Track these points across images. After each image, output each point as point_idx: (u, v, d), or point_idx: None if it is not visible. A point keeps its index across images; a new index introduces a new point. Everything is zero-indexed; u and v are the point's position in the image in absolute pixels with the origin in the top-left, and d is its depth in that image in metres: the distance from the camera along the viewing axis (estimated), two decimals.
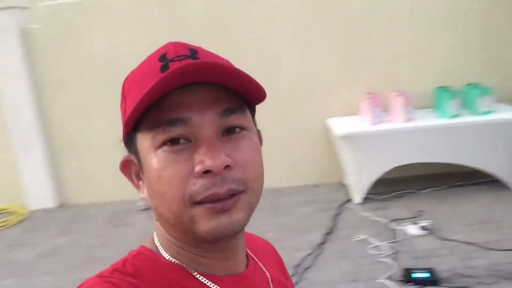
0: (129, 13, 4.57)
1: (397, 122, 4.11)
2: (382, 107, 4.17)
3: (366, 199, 4.13)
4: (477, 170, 4.08)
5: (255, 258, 0.71)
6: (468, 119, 4.03)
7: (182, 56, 0.56)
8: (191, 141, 0.55)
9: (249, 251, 0.70)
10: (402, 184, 4.38)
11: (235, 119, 0.57)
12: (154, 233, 0.65)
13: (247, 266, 0.67)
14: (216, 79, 0.55)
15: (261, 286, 0.68)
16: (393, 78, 4.55)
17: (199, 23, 4.47)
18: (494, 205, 3.85)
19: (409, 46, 4.55)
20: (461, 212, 3.75)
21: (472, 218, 3.65)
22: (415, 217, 3.72)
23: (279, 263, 0.80)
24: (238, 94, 0.58)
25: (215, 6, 4.55)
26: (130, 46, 4.35)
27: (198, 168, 0.53)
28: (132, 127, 0.58)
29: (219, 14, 4.55)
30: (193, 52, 0.58)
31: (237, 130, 0.57)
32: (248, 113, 0.61)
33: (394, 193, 4.24)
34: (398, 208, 3.97)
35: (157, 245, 0.63)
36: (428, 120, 4.08)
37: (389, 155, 4.10)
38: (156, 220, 0.63)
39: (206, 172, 0.53)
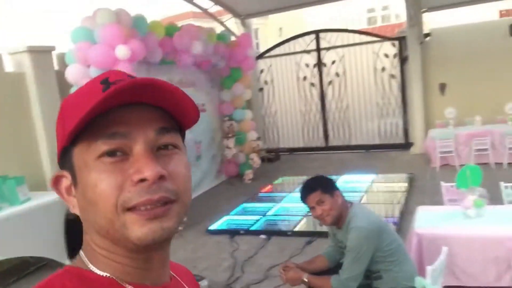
0: None
1: None
2: None
3: None
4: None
5: (176, 276, 0.74)
6: (8, 211, 3.94)
7: (123, 80, 0.60)
8: (128, 155, 0.59)
9: (170, 270, 0.73)
10: None
11: (169, 138, 0.63)
12: (81, 251, 0.65)
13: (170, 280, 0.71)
14: (154, 97, 0.60)
15: None
16: None
17: None
18: None
19: None
20: None
21: None
22: None
23: (195, 283, 0.83)
24: (172, 117, 0.64)
25: None
26: None
27: (135, 177, 0.57)
28: (71, 142, 0.60)
29: None
30: (132, 77, 0.63)
31: (170, 147, 0.63)
32: (179, 135, 0.67)
33: None
34: None
35: (85, 261, 0.63)
36: None
37: None
38: (86, 233, 0.64)
39: (142, 180, 0.57)
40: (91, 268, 0.62)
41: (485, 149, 6.89)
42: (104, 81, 0.61)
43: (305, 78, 9.57)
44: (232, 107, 7.66)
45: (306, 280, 2.48)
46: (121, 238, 0.59)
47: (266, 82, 9.95)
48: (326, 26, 12.46)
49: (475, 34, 8.33)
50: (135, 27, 4.94)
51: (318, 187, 2.40)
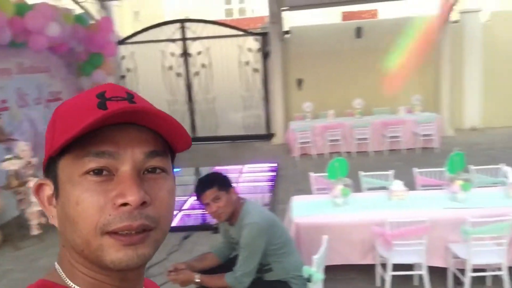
0: None
1: None
2: None
3: None
4: None
5: None
6: None
7: (120, 97, 0.60)
8: (113, 175, 0.58)
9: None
10: None
11: (158, 161, 0.61)
12: (56, 264, 0.64)
13: None
14: (149, 123, 0.60)
15: None
16: None
17: None
18: None
19: None
20: None
21: None
22: None
23: None
24: (163, 138, 0.63)
25: None
26: None
27: (118, 201, 0.56)
28: (58, 153, 0.59)
29: None
30: (130, 95, 0.62)
31: (158, 171, 0.61)
32: (169, 158, 0.65)
33: None
34: None
35: (61, 275, 0.62)
36: None
37: None
38: (63, 246, 0.63)
39: (124, 205, 0.56)
40: (67, 283, 0.61)
41: (337, 140, 7.68)
42: (100, 95, 0.60)
43: (171, 67, 9.36)
44: None
45: (198, 281, 2.45)
46: (95, 259, 0.58)
47: (128, 70, 9.45)
48: (185, 14, 12.33)
49: (327, 34, 9.18)
50: None
51: (215, 183, 2.38)
